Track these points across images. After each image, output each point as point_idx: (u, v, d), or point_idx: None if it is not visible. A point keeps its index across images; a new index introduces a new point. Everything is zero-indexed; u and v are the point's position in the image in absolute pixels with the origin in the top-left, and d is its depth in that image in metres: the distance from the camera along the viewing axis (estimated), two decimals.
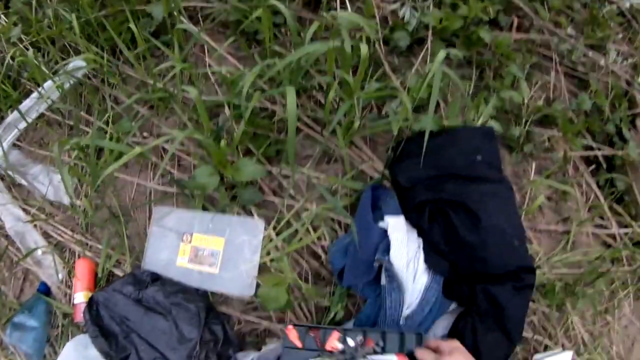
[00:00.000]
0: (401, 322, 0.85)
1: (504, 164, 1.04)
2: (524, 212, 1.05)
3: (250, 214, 0.91)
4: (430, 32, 1.05)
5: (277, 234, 0.89)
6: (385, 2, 1.08)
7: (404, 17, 1.06)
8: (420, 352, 0.75)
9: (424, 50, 1.04)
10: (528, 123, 1.08)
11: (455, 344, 0.75)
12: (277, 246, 0.89)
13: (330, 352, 0.78)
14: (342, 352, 0.78)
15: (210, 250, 0.90)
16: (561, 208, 1.12)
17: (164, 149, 0.95)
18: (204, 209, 0.91)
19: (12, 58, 1.06)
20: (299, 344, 0.79)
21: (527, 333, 0.98)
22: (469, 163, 0.93)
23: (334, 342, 0.79)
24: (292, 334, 0.80)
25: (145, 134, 0.95)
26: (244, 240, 0.90)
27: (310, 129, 0.95)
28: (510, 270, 0.83)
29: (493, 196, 0.90)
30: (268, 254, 0.89)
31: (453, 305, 0.90)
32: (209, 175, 0.87)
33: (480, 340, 0.82)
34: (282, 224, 0.90)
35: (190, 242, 0.91)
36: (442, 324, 0.90)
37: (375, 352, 0.78)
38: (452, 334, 0.88)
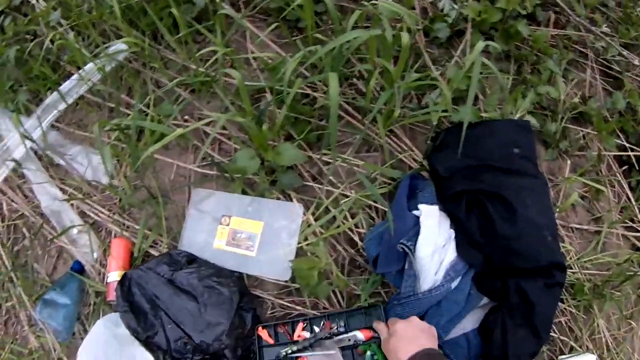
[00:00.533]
0: (420, 296, 0.85)
1: (539, 159, 1.03)
2: (557, 209, 1.03)
3: (289, 198, 0.90)
4: (469, 24, 1.04)
5: (316, 220, 0.89)
6: None
7: (443, 9, 1.05)
8: (376, 323, 0.83)
9: (463, 42, 1.03)
10: (564, 120, 1.07)
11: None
12: (315, 232, 0.89)
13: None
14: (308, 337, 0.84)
15: (248, 234, 0.89)
16: (594, 207, 1.10)
17: (204, 132, 0.94)
18: (243, 192, 0.90)
19: (52, 41, 1.06)
20: (271, 341, 0.86)
21: (553, 333, 0.97)
22: (506, 155, 0.92)
23: (301, 332, 0.86)
24: (264, 334, 0.86)
25: (186, 117, 0.95)
26: (282, 224, 0.89)
27: (351, 116, 0.94)
28: (542, 265, 0.82)
29: (530, 190, 0.89)
30: (305, 239, 0.88)
31: (484, 300, 0.89)
32: (250, 158, 0.86)
33: (509, 335, 0.82)
34: (320, 209, 0.89)
35: (228, 224, 0.90)
36: (472, 318, 0.90)
37: (338, 333, 0.85)
38: (482, 328, 0.88)
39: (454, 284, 0.88)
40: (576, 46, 1.17)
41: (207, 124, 0.90)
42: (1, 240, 1.06)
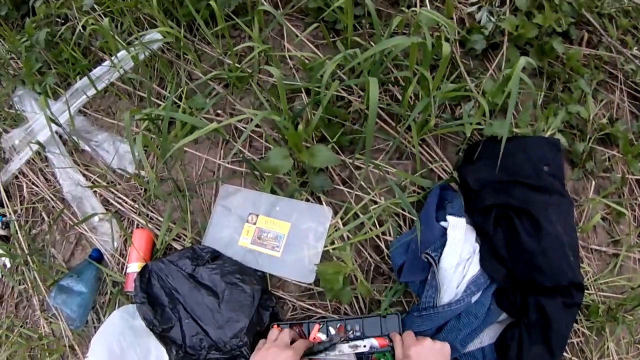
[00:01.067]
0: (440, 309, 0.84)
1: (566, 178, 1.02)
2: (579, 229, 1.02)
3: (318, 201, 0.88)
4: (505, 38, 1.03)
5: (344, 224, 0.87)
6: (462, 4, 1.06)
7: (480, 21, 1.04)
8: (393, 334, 0.82)
9: (499, 55, 1.02)
10: (591, 140, 1.06)
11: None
12: (342, 236, 0.87)
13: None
14: (324, 341, 0.83)
15: (274, 234, 0.87)
16: (614, 230, 1.09)
17: (235, 128, 0.92)
18: (272, 191, 0.88)
19: (83, 26, 1.04)
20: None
21: (565, 353, 0.95)
22: (536, 172, 0.91)
23: (317, 333, 0.85)
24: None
25: (218, 111, 0.93)
26: (310, 226, 0.87)
27: (384, 122, 0.92)
28: (562, 284, 0.81)
29: (556, 208, 0.88)
30: (332, 243, 0.86)
31: (503, 316, 0.87)
32: (283, 157, 0.84)
33: (524, 352, 0.81)
34: (349, 214, 0.87)
35: (255, 223, 0.88)
36: (490, 333, 0.88)
37: (353, 339, 0.83)
38: (498, 343, 0.87)
39: (474, 298, 0.87)
40: (606, 67, 1.15)
41: (240, 120, 0.88)
42: (19, 222, 1.03)
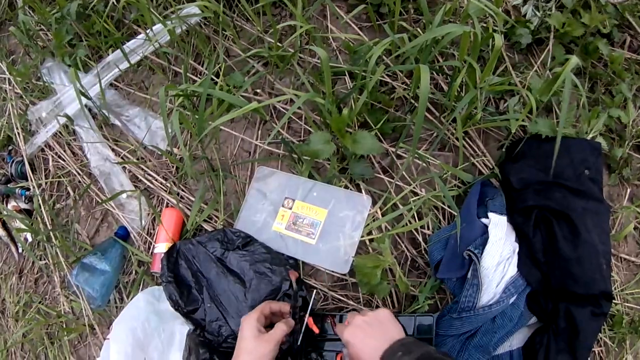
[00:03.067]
0: (480, 311, 0.77)
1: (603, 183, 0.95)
2: (611, 238, 0.95)
3: (357, 189, 0.81)
4: (552, 34, 0.95)
5: (382, 215, 0.79)
6: None
7: (525, 14, 0.97)
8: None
9: (544, 51, 0.94)
10: (629, 146, 0.99)
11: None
12: (381, 227, 0.79)
13: None
14: None
15: (311, 220, 0.80)
16: None
17: (274, 108, 0.84)
18: (310, 176, 0.81)
19: None
20: (316, 330, 0.76)
21: None
22: (577, 175, 0.84)
23: None
24: (309, 321, 0.77)
25: (257, 90, 0.85)
26: (347, 215, 0.79)
27: (428, 111, 0.85)
28: (593, 293, 0.76)
29: (593, 214, 0.82)
30: (369, 233, 0.79)
31: (532, 320, 0.82)
32: (325, 142, 0.76)
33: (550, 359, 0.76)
34: (389, 205, 0.79)
35: (291, 208, 0.80)
36: (519, 337, 0.82)
37: None
38: (526, 348, 0.81)
39: (511, 300, 0.81)
40: None
41: (280, 101, 0.81)
42: (43, 197, 0.95)
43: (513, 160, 0.86)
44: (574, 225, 0.79)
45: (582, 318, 0.76)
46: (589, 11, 0.97)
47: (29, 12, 1.09)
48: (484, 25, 0.92)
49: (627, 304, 0.93)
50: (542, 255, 0.81)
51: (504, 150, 0.87)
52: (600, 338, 0.91)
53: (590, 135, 0.92)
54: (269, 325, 0.68)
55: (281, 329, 0.65)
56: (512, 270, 0.81)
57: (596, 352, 0.91)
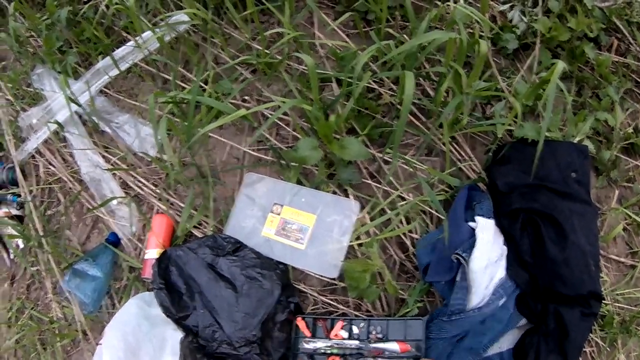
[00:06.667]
0: (470, 314, 0.79)
1: (590, 185, 0.97)
2: (600, 239, 0.97)
3: (344, 194, 0.82)
4: (538, 39, 0.97)
5: (371, 219, 0.81)
6: (495, 1, 1.00)
7: (512, 20, 0.98)
8: None
9: (530, 56, 0.96)
10: (616, 148, 1.00)
11: None
12: (369, 231, 0.81)
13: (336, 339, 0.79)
14: (348, 339, 0.79)
15: (299, 225, 0.81)
16: (633, 241, 1.04)
17: (263, 115, 0.86)
18: (298, 182, 0.82)
19: (107, 6, 0.97)
20: (308, 334, 0.79)
21: None
22: (563, 178, 0.86)
23: (339, 331, 0.80)
24: (302, 325, 0.80)
25: (245, 97, 0.86)
26: (335, 219, 0.81)
27: (414, 117, 0.86)
28: (582, 293, 0.78)
29: (580, 216, 0.84)
30: (357, 238, 0.81)
31: (522, 321, 0.83)
32: (312, 148, 0.78)
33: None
34: (376, 210, 0.81)
35: (279, 213, 0.82)
36: (509, 338, 0.84)
37: (376, 341, 0.79)
38: (517, 349, 0.83)
39: (500, 302, 0.82)
40: (633, 75, 1.10)
41: (268, 107, 0.82)
42: (34, 203, 0.96)
43: (499, 164, 0.88)
44: (560, 227, 0.80)
45: (571, 318, 0.77)
46: (576, 15, 0.98)
47: (20, 19, 1.10)
48: (470, 31, 0.94)
49: (617, 304, 0.95)
50: (530, 257, 0.82)
51: (490, 154, 0.89)
52: (592, 338, 0.92)
53: (577, 139, 0.94)
54: None
55: None
56: (501, 272, 0.83)
57: (588, 352, 0.92)
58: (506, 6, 0.99)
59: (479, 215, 0.84)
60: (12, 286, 1.07)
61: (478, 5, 0.96)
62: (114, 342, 0.82)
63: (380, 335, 0.79)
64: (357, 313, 0.82)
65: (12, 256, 1.06)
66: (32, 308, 1.02)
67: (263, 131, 0.80)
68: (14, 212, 1.02)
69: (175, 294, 0.82)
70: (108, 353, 0.81)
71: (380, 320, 0.80)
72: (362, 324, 0.80)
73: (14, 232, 0.97)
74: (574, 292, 0.78)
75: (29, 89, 1.03)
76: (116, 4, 0.92)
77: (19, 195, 1.00)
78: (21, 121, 1.00)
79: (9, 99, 1.05)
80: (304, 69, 0.86)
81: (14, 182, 1.02)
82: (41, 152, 0.98)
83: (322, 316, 0.81)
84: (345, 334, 0.80)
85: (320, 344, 0.79)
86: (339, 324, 0.80)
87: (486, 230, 0.83)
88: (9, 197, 1.01)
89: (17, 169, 0.98)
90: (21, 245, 1.01)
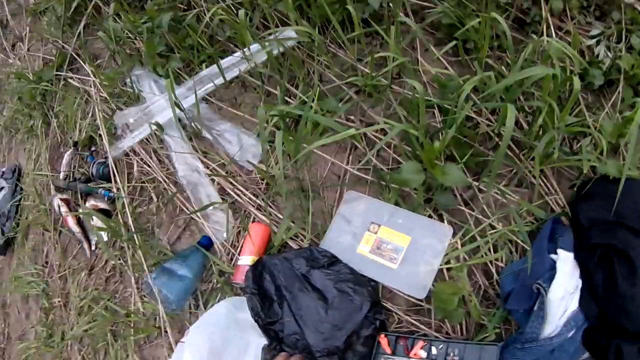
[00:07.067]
0: (542, 342, 0.81)
1: None
2: None
3: (439, 218, 0.86)
4: (622, 76, 1.01)
5: (462, 245, 0.84)
6: (582, 35, 1.04)
7: (598, 55, 1.02)
8: None
9: (615, 93, 0.99)
10: None
11: None
12: (458, 256, 0.84)
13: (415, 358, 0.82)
14: (426, 359, 0.81)
15: (394, 245, 0.85)
16: None
17: (365, 135, 0.89)
18: (395, 203, 0.86)
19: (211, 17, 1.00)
20: (389, 351, 0.82)
21: None
22: (638, 216, 0.90)
23: (418, 350, 0.82)
24: (384, 342, 0.83)
25: (350, 116, 0.90)
26: (429, 242, 0.84)
27: (509, 148, 0.90)
28: None
29: None
30: (448, 262, 0.84)
31: (585, 355, 0.86)
32: (416, 172, 0.81)
33: None
34: (468, 236, 0.84)
35: (376, 232, 0.85)
36: None
37: None
38: None
39: (570, 334, 0.85)
40: None
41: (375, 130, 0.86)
42: (127, 200, 1.00)
43: (583, 199, 0.91)
44: (632, 264, 0.83)
45: (630, 355, 0.79)
46: None
47: (117, 19, 1.14)
48: (562, 64, 0.97)
49: None
50: (602, 291, 0.85)
51: (575, 189, 0.92)
52: None
53: None
54: None
55: None
56: (574, 305, 0.86)
57: None
58: (593, 41, 1.03)
59: (560, 247, 0.88)
60: (89, 276, 1.11)
61: (568, 39, 1.00)
62: (198, 341, 0.85)
63: (457, 358, 0.82)
64: (437, 334, 0.85)
65: (93, 247, 1.10)
66: (108, 299, 1.05)
67: (364, 150, 0.84)
68: (102, 205, 1.06)
69: (267, 300, 0.85)
70: (190, 351, 0.84)
71: (458, 343, 0.83)
72: (441, 346, 0.83)
73: (103, 225, 1.00)
74: (636, 329, 0.80)
75: (124, 88, 1.07)
76: (221, 14, 0.96)
77: (110, 190, 1.03)
78: (117, 119, 1.04)
79: (104, 95, 1.08)
80: (406, 93, 0.90)
81: (103, 177, 1.06)
82: (136, 151, 1.01)
83: (404, 334, 0.84)
84: (424, 354, 0.82)
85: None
86: (419, 343, 0.83)
87: (566, 262, 0.86)
88: (100, 191, 1.04)
89: (111, 165, 1.02)
90: (105, 238, 1.04)
